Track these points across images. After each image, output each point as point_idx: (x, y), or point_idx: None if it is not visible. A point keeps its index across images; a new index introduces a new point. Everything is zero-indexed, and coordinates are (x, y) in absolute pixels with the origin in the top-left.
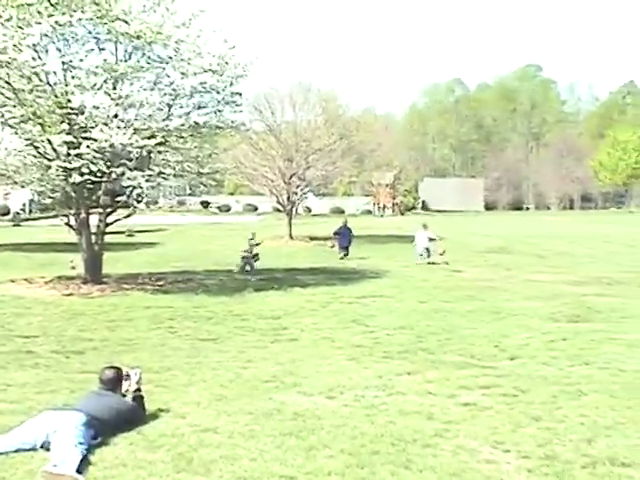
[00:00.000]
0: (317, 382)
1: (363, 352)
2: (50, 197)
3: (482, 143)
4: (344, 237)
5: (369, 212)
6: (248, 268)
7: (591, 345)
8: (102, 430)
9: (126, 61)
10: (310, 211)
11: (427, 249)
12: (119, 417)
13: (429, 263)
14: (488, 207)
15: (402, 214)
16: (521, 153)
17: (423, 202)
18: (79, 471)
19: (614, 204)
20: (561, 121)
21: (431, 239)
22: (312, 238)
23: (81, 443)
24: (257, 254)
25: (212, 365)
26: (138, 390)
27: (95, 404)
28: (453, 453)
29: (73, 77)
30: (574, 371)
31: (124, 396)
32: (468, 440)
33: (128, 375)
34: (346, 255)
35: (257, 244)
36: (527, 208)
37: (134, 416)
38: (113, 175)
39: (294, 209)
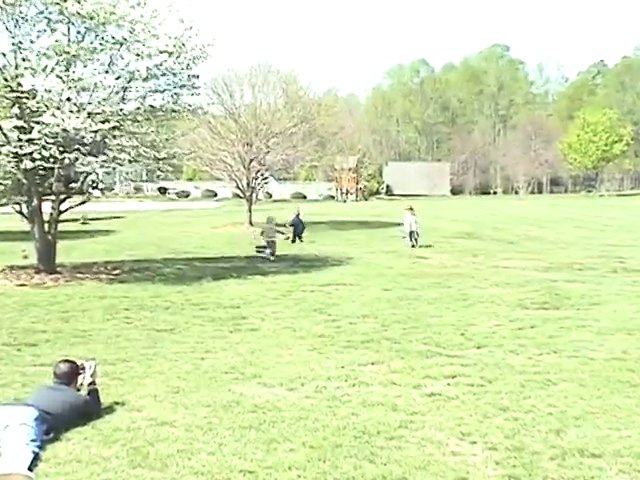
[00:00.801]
0: (278, 373)
1: (325, 342)
2: (0, 184)
3: (448, 126)
4: (298, 227)
5: (332, 197)
6: (269, 252)
7: (560, 333)
8: (55, 425)
9: (79, 42)
10: (271, 197)
11: (414, 232)
12: (73, 411)
13: (419, 246)
14: (454, 191)
15: (366, 199)
16: (488, 136)
17: (387, 187)
18: (30, 469)
19: (584, 188)
20: (529, 102)
21: (417, 222)
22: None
23: (33, 440)
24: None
25: (169, 356)
26: (93, 383)
27: (47, 398)
28: (418, 445)
29: (24, 59)
30: (542, 360)
31: (78, 390)
32: (434, 432)
33: (83, 368)
34: (294, 242)
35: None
36: (494, 192)
37: (88, 410)
38: (66, 161)
39: (254, 195)
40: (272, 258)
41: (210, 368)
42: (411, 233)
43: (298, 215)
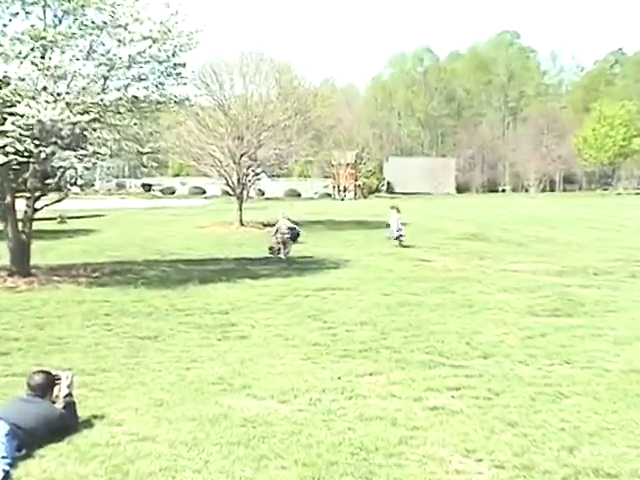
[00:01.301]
0: (269, 384)
1: (320, 351)
2: None
3: (454, 118)
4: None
5: (328, 195)
6: (282, 255)
7: (573, 342)
8: (28, 440)
9: (56, 27)
10: (263, 194)
11: (400, 231)
12: (47, 426)
13: (403, 246)
14: (460, 189)
15: (365, 197)
16: (497, 129)
17: (388, 184)
18: None
19: (600, 186)
20: (541, 94)
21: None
22: (265, 224)
23: (3, 457)
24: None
25: (152, 366)
26: (69, 395)
27: (20, 412)
28: (420, 463)
29: None
30: (554, 371)
31: (53, 402)
32: (436, 448)
33: (58, 378)
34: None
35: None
36: (503, 190)
37: (64, 424)
38: (42, 155)
39: (245, 192)
40: (284, 258)
41: (196, 379)
42: (400, 232)
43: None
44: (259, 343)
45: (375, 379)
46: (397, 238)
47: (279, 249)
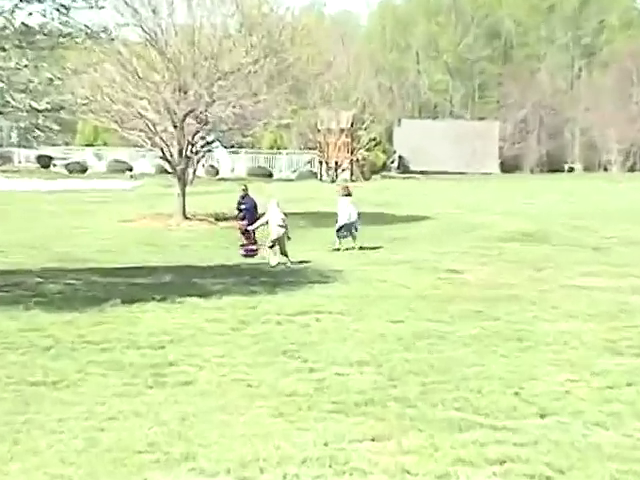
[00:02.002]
0: (223, 453)
1: (299, 404)
2: None
3: (498, 63)
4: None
5: (313, 175)
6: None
7: None
8: None
9: None
10: (217, 173)
11: (353, 227)
12: None
13: (348, 248)
14: (507, 167)
15: (366, 178)
16: (563, 80)
17: (400, 159)
18: None
19: None
20: (630, 25)
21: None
22: (219, 218)
23: None
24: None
25: (50, 426)
26: None
27: None
28: None
29: None
30: None
31: None
32: None
33: None
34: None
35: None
36: (571, 169)
37: None
38: None
39: (191, 170)
40: (290, 265)
41: (115, 445)
42: (348, 226)
43: (247, 195)
44: (209, 391)
45: (380, 446)
46: (349, 234)
47: (256, 249)
